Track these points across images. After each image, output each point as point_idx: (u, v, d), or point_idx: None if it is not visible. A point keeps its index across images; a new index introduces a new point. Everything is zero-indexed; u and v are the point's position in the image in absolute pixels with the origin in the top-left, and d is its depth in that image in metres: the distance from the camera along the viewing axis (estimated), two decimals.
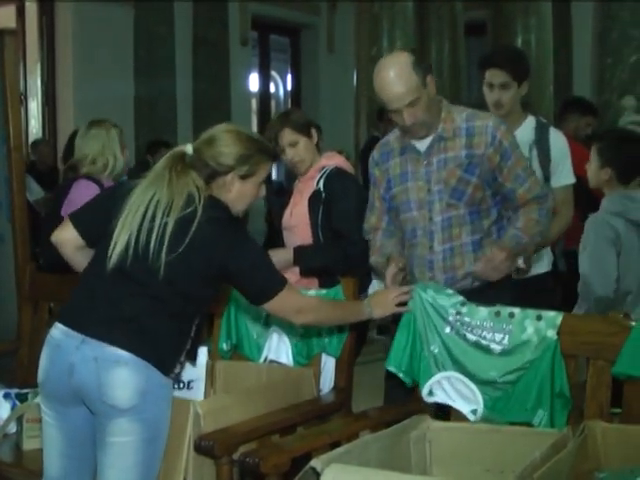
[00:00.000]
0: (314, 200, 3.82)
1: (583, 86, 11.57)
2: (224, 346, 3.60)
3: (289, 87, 13.98)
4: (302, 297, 2.96)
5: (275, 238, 4.20)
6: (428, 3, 11.00)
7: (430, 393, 3.05)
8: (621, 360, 2.69)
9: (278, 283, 2.79)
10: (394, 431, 2.75)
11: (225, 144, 2.78)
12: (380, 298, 3.14)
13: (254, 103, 13.44)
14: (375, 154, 3.54)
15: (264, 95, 13.43)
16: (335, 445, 2.69)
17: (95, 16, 9.84)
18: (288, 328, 3.47)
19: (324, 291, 3.45)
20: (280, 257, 3.80)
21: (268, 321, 3.53)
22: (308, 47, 13.34)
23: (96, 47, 9.80)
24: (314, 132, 3.92)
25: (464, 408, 2.98)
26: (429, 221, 3.32)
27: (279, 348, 3.50)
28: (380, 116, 8.25)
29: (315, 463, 2.26)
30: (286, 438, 2.91)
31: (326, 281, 3.65)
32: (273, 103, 14.25)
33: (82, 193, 4.10)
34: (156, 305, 2.65)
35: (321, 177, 3.84)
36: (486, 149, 3.26)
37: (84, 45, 9.86)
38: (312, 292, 3.48)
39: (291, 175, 4.18)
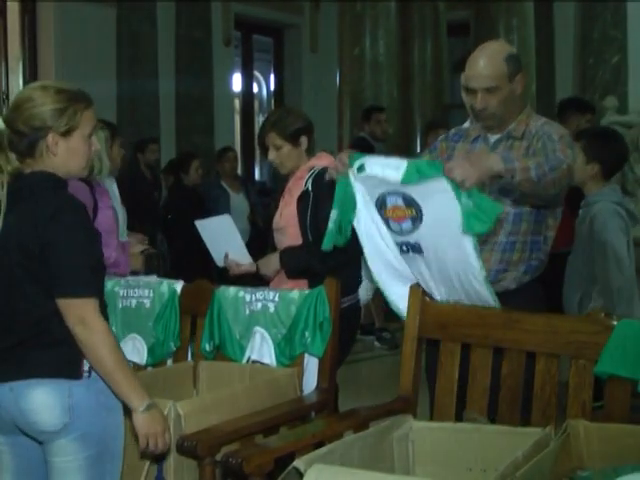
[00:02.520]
0: (303, 201, 3.82)
1: (565, 86, 11.62)
2: (207, 346, 3.60)
3: (272, 87, 13.97)
4: (99, 318, 2.48)
5: (259, 238, 4.20)
6: (411, 3, 11.01)
7: (360, 168, 2.91)
8: (603, 359, 2.70)
9: (87, 287, 2.48)
10: (377, 431, 2.75)
11: (32, 105, 2.50)
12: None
13: (237, 103, 13.42)
14: (451, 132, 3.55)
15: (247, 95, 13.43)
16: (318, 445, 2.69)
17: (77, 15, 9.81)
18: (271, 329, 3.47)
19: (307, 291, 3.45)
20: (272, 262, 3.81)
21: (251, 321, 3.53)
22: (291, 47, 13.34)
23: (78, 46, 9.77)
24: (304, 140, 3.90)
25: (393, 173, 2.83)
26: None
27: (262, 348, 3.49)
28: (366, 116, 8.23)
29: (298, 463, 2.25)
30: (269, 438, 2.91)
31: (316, 283, 3.61)
32: (256, 103, 14.26)
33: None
34: (28, 315, 2.49)
35: (309, 177, 3.84)
36: (537, 143, 3.21)
37: (66, 44, 9.82)
38: (295, 291, 3.48)
39: (277, 175, 4.17)
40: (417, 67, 11.29)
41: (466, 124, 3.52)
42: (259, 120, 14.32)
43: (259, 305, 3.53)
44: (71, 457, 2.50)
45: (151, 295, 3.83)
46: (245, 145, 13.12)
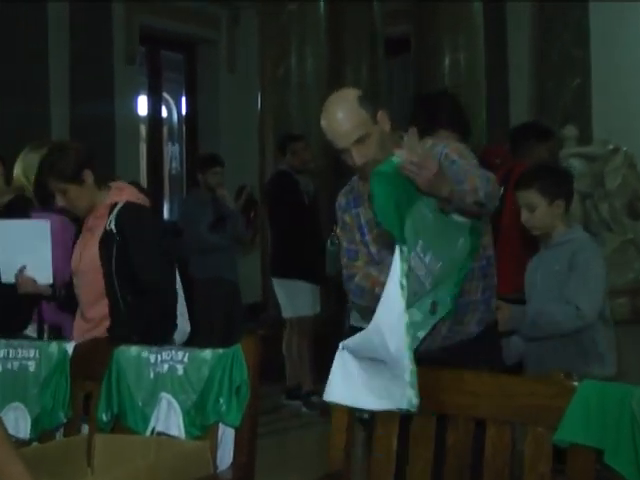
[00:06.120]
0: (106, 243, 3.92)
1: (520, 113, 11.77)
2: (104, 416, 3.55)
3: (184, 111, 13.97)
4: None
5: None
6: (344, 16, 11.09)
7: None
8: (563, 426, 2.72)
9: None
10: None
11: None
12: None
13: (143, 129, 13.39)
14: (342, 201, 3.65)
15: (154, 120, 13.38)
16: None
17: None
18: (179, 394, 3.45)
19: (221, 350, 3.43)
20: None
21: (156, 386, 3.50)
22: (206, 65, 13.36)
23: None
24: (87, 174, 4.00)
25: None
26: None
27: (169, 418, 3.47)
28: (281, 148, 8.26)
29: None
30: None
31: None
32: (165, 129, 14.22)
33: None
34: None
35: (112, 214, 3.92)
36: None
37: None
38: (208, 351, 3.46)
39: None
40: None
41: (349, 185, 3.65)
42: (169, 149, 14.31)
43: (165, 367, 3.51)
44: None
45: (37, 356, 3.78)
46: (152, 178, 13.06)
